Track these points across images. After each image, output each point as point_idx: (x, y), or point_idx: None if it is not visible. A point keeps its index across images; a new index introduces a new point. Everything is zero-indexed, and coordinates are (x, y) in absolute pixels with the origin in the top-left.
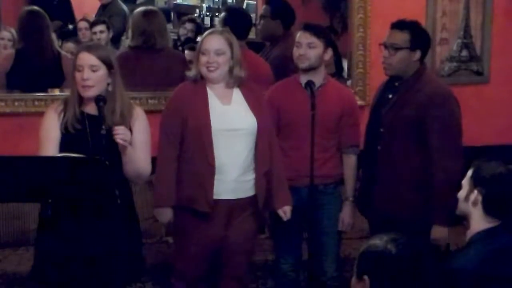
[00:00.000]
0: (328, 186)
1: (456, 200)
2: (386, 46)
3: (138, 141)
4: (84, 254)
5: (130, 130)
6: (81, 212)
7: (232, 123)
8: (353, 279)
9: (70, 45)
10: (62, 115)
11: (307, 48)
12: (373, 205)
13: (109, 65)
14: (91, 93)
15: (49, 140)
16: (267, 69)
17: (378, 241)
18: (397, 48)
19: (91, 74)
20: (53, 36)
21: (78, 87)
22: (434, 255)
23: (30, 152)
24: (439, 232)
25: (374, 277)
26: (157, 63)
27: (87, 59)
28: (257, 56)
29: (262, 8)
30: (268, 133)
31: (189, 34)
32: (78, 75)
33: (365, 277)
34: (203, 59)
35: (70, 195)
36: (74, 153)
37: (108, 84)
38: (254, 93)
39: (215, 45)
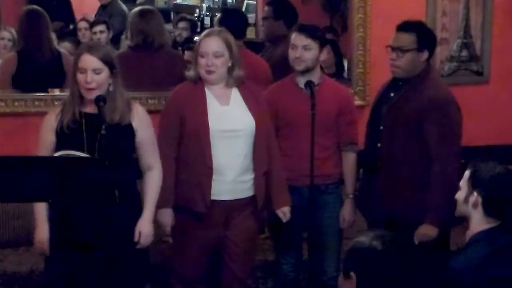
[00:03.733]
0: (329, 186)
1: (452, 202)
2: (393, 49)
3: (144, 138)
4: (87, 254)
5: (131, 126)
6: (81, 212)
7: (231, 124)
8: (340, 277)
9: (67, 45)
10: (59, 116)
11: (303, 50)
12: (373, 203)
13: (111, 66)
14: (94, 95)
15: (43, 144)
16: (266, 68)
17: (364, 238)
18: (405, 50)
19: (95, 76)
20: (53, 35)
21: (81, 89)
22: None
23: (30, 152)
24: (426, 230)
25: (361, 274)
26: (156, 62)
27: (90, 61)
28: (256, 56)
29: (264, 10)
30: (266, 134)
31: (184, 33)
32: (81, 77)
33: (352, 274)
34: (202, 61)
35: (70, 195)
36: (68, 151)
37: (110, 84)
38: (253, 93)
39: (214, 47)
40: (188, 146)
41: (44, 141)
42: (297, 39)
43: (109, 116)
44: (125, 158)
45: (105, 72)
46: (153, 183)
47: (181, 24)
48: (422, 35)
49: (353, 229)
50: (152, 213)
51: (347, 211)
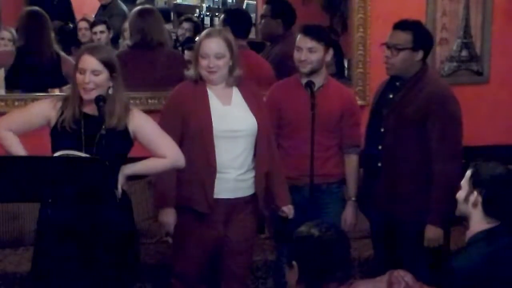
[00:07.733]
0: (331, 186)
1: (454, 202)
2: (388, 47)
3: (149, 133)
4: (82, 254)
5: (126, 131)
6: (80, 212)
7: (233, 124)
8: (286, 268)
9: None
10: (60, 112)
11: (308, 53)
12: (375, 204)
13: (111, 69)
14: (91, 96)
15: (26, 120)
16: (269, 69)
17: (303, 228)
18: (399, 49)
19: (93, 77)
20: (53, 37)
21: (79, 89)
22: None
23: (30, 151)
24: (433, 233)
25: (301, 261)
26: (155, 61)
27: (90, 62)
28: (259, 57)
29: (263, 8)
30: (267, 133)
31: (187, 34)
32: (80, 77)
33: (294, 263)
34: (204, 62)
35: (70, 195)
36: (67, 151)
37: (109, 87)
38: (253, 93)
39: (215, 48)
40: (190, 145)
41: (29, 119)
42: (302, 41)
43: (107, 119)
44: (121, 160)
45: (104, 74)
46: (156, 160)
47: (186, 25)
48: (418, 35)
49: (355, 231)
50: (132, 173)
51: (349, 214)
